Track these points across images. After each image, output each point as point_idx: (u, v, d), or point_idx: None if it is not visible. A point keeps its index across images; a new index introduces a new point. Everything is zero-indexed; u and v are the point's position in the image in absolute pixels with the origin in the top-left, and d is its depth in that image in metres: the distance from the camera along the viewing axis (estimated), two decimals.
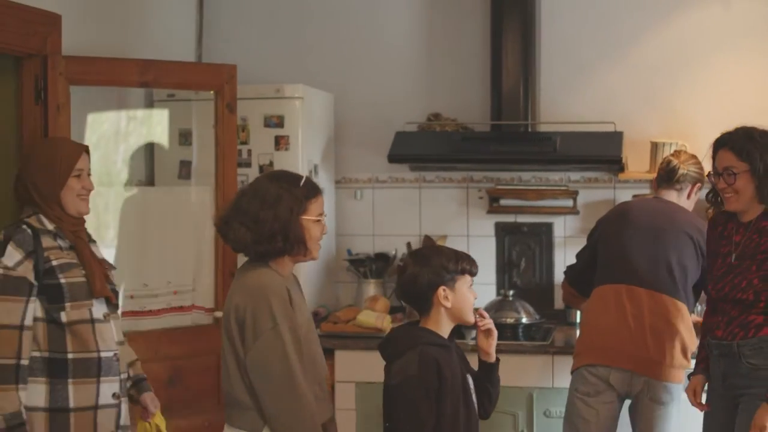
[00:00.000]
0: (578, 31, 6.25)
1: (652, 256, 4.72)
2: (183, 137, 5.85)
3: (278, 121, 5.79)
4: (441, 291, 3.61)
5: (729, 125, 5.66)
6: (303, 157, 5.81)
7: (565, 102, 6.20)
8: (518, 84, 6.00)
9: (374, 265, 6.22)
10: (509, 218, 6.32)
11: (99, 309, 3.96)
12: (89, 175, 4.08)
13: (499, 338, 3.89)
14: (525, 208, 6.24)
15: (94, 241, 4.19)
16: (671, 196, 4.95)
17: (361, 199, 6.47)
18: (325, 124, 6.23)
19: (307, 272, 5.68)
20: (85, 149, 4.10)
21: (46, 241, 3.88)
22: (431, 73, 6.43)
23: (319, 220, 3.59)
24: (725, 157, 4.16)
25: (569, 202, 6.22)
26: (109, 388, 3.96)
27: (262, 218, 3.46)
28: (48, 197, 3.92)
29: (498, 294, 6.19)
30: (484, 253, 6.23)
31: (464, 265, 3.68)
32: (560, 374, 5.32)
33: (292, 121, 5.80)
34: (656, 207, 4.90)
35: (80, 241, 4.00)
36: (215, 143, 5.34)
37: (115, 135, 5.73)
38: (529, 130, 6.03)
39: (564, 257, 6.16)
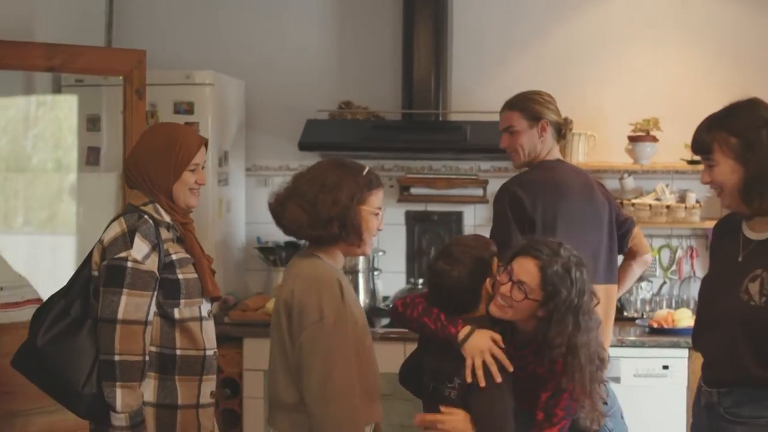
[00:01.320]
0: (490, 21, 6.29)
1: (597, 243, 4.46)
2: (91, 123, 5.78)
3: (188, 108, 5.74)
4: (488, 282, 3.46)
5: (637, 116, 5.80)
6: (213, 144, 5.72)
7: (476, 92, 6.23)
8: (429, 73, 6.02)
9: (284, 253, 6.19)
10: (419, 207, 6.34)
11: (205, 306, 3.90)
12: (203, 168, 3.96)
13: (407, 328, 3.85)
14: (435, 196, 6.27)
15: None
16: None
17: (271, 187, 6.44)
18: (235, 111, 6.19)
19: (215, 260, 5.64)
20: (205, 142, 3.96)
21: (164, 233, 3.78)
22: (343, 61, 6.42)
23: (377, 214, 3.47)
24: (528, 271, 3.43)
25: (479, 191, 6.25)
26: (208, 387, 3.89)
27: (321, 201, 3.34)
28: (159, 187, 3.79)
29: (407, 282, 6.23)
30: (395, 241, 6.26)
31: (493, 248, 3.56)
32: None
33: (202, 108, 5.76)
34: (582, 181, 4.54)
35: (189, 235, 3.89)
36: (123, 129, 5.26)
37: (24, 120, 5.65)
38: (440, 119, 6.06)
39: None
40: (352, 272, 5.84)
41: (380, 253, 6.07)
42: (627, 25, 6.18)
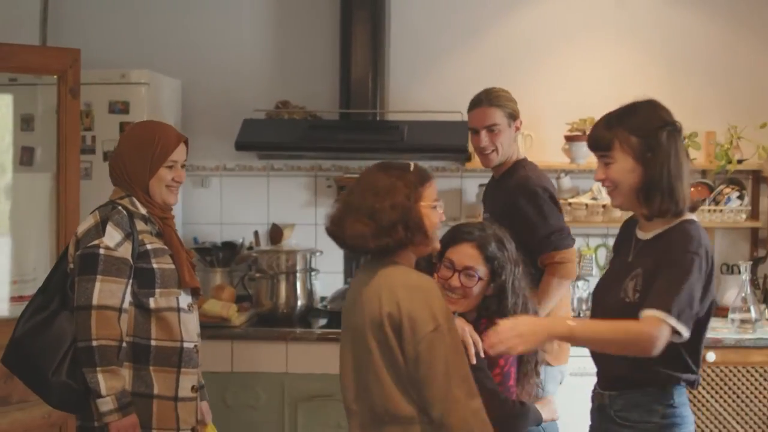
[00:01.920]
0: (427, 21, 6.30)
1: None
2: (25, 123, 5.71)
3: (123, 107, 5.69)
4: (435, 277, 3.58)
5: (573, 115, 5.82)
6: None
7: (414, 91, 6.25)
8: (367, 73, 6.02)
9: (221, 253, 6.16)
10: None
11: (185, 299, 3.92)
12: (183, 166, 4.00)
13: None
14: None
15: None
16: None
17: (208, 187, 6.41)
18: (171, 111, 6.14)
19: None
20: (184, 140, 4.02)
21: (139, 225, 3.83)
22: (280, 61, 6.40)
23: (435, 206, 3.38)
24: (469, 255, 3.60)
25: None
26: (188, 380, 3.91)
27: (379, 209, 3.24)
28: (136, 182, 3.86)
29: (345, 283, 6.21)
30: (332, 242, 6.22)
31: None
32: None
33: (137, 107, 5.70)
34: None
35: (168, 229, 3.94)
36: (57, 129, 5.21)
37: None
38: (378, 119, 6.04)
39: None
40: (290, 273, 5.82)
41: (318, 254, 6.06)
42: (564, 24, 6.23)
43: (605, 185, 3.49)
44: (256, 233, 6.28)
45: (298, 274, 5.85)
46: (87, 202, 5.04)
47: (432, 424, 3.18)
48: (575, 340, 3.32)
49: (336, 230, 3.38)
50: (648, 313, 3.21)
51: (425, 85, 6.27)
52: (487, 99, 4.61)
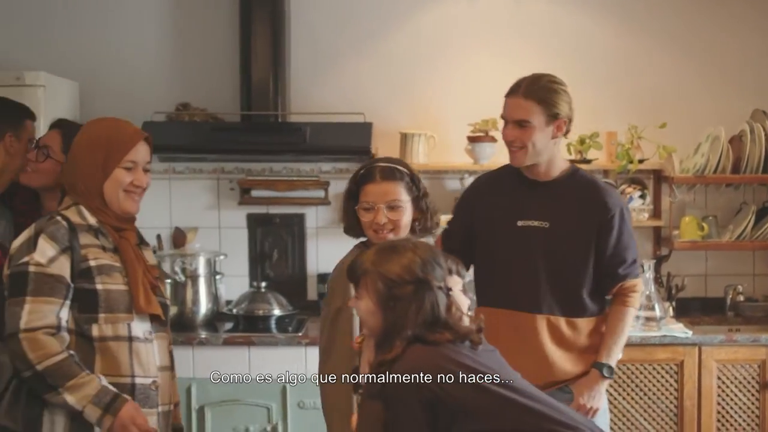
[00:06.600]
0: (328, 21, 6.27)
1: None
2: None
3: None
4: None
5: (475, 116, 5.83)
6: None
7: (316, 93, 6.22)
8: (268, 74, 5.96)
9: None
10: (261, 209, 6.28)
11: (140, 326, 3.41)
12: (147, 170, 3.56)
13: (251, 330, 3.78)
14: (277, 199, 6.21)
15: (147, 244, 3.70)
16: None
17: None
18: (69, 114, 6.00)
19: None
20: (145, 137, 3.57)
21: (85, 238, 3.36)
22: (180, 63, 6.32)
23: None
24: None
25: (321, 193, 6.22)
26: None
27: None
28: (89, 186, 3.42)
29: (251, 286, 6.13)
30: (237, 245, 6.21)
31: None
32: (313, 365, 5.30)
33: (34, 110, 5.47)
34: None
35: (125, 242, 3.44)
36: None
37: None
38: (279, 120, 5.99)
39: (316, 248, 6.20)
40: (194, 276, 5.76)
41: (222, 257, 5.99)
42: (464, 25, 6.24)
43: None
44: (158, 237, 6.19)
45: (202, 278, 5.80)
46: None
47: None
48: None
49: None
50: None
51: (327, 86, 6.23)
52: (524, 88, 4.04)
